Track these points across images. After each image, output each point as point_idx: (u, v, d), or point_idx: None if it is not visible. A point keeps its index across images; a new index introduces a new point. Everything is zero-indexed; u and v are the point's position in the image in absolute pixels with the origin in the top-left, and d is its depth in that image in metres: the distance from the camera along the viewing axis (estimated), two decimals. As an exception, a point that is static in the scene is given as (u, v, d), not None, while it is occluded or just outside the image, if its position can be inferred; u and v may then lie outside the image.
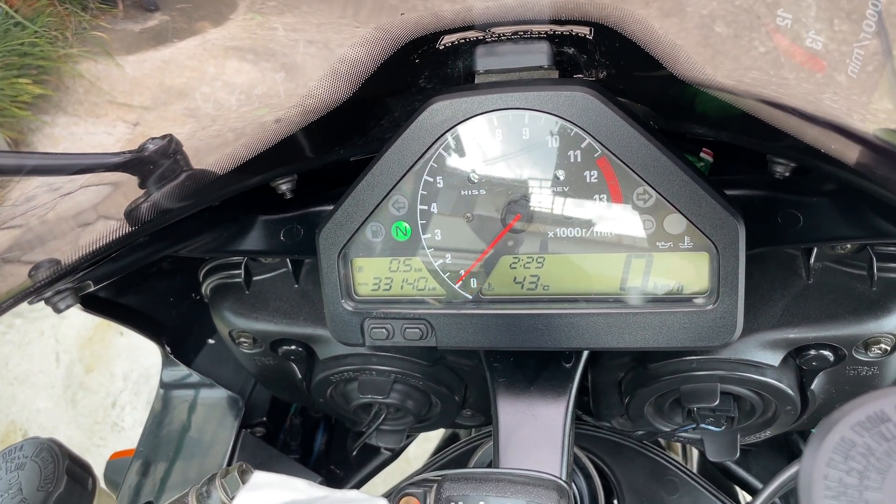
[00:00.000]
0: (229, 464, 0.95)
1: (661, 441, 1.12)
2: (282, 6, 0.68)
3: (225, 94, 0.70)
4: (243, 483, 0.52)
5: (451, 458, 0.98)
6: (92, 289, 0.68)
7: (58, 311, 0.63)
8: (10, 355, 3.55)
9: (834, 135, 0.48)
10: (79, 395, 3.36)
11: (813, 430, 0.33)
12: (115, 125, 0.69)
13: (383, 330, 0.70)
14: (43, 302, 0.63)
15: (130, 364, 3.37)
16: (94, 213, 0.63)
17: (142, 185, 0.64)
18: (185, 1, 0.70)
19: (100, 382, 3.37)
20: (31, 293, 0.61)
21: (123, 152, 0.62)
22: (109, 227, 0.61)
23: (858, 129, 0.47)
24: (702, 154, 0.75)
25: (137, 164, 0.63)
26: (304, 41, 0.67)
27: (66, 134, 0.71)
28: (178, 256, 0.81)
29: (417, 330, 0.69)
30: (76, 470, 0.58)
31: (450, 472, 0.52)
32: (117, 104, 0.69)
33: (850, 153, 0.48)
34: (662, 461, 0.92)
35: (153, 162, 0.63)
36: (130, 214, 0.63)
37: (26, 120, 0.70)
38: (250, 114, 0.70)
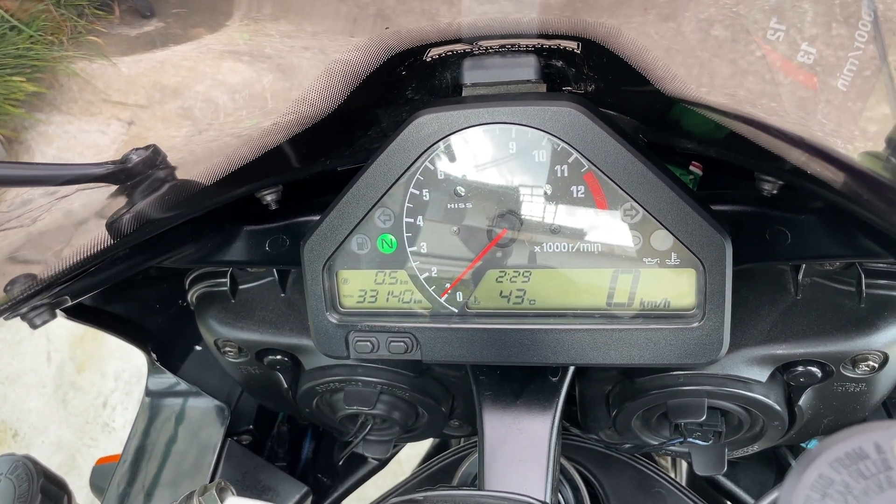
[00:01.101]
0: (214, 472, 0.94)
1: (652, 453, 1.12)
2: (277, 13, 0.67)
3: (215, 103, 0.69)
4: (221, 502, 0.51)
5: (438, 467, 0.97)
6: (69, 304, 0.67)
7: (34, 326, 0.62)
8: (0, 354, 3.53)
9: (818, 158, 0.48)
10: (70, 395, 3.34)
11: (792, 464, 0.33)
12: (109, 123, 0.68)
13: (368, 343, 0.69)
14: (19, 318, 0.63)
15: (122, 364, 3.35)
16: (73, 226, 0.62)
17: (124, 197, 0.63)
18: (180, 6, 0.69)
19: (91, 382, 3.36)
20: (5, 310, 0.60)
21: (106, 163, 0.61)
22: (89, 240, 0.60)
23: (842, 154, 0.47)
24: (691, 167, 0.75)
25: (120, 174, 0.62)
26: (296, 47, 0.66)
27: (59, 132, 0.70)
28: (163, 264, 0.80)
29: (402, 343, 0.69)
30: (51, 488, 0.57)
31: (430, 494, 0.51)
32: (112, 102, 0.68)
33: (835, 176, 0.48)
34: (650, 473, 0.92)
35: (136, 173, 0.62)
36: (112, 226, 0.62)
37: (20, 117, 0.69)
38: (239, 123, 0.69)
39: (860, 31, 0.49)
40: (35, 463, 0.59)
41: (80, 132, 0.71)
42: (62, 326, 3.51)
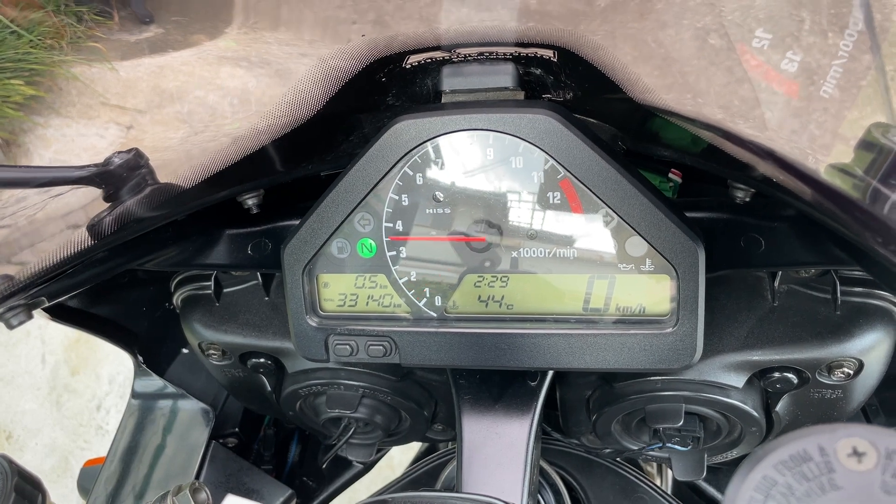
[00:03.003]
0: (198, 475, 0.95)
1: (638, 459, 1.12)
2: (275, 22, 0.68)
3: (198, 107, 0.70)
4: (195, 502, 0.52)
5: (424, 471, 0.98)
6: (46, 304, 0.68)
7: (10, 327, 0.63)
8: (-5, 356, 3.53)
9: (783, 170, 0.49)
10: (64, 398, 3.34)
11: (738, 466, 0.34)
12: (107, 127, 0.69)
13: (347, 346, 0.70)
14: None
15: (116, 367, 3.35)
16: (52, 227, 0.62)
17: (106, 199, 0.64)
18: (179, 14, 0.70)
19: (85, 384, 3.35)
20: (-22, 311, 0.60)
21: (88, 165, 0.62)
22: (67, 241, 0.61)
23: (805, 167, 0.48)
24: (670, 175, 0.76)
25: (102, 177, 0.63)
26: (280, 54, 0.67)
27: (58, 135, 0.71)
28: (150, 266, 0.81)
29: (381, 347, 0.69)
30: (25, 487, 0.57)
31: (398, 496, 0.52)
32: (110, 106, 0.69)
33: (799, 186, 0.49)
34: (633, 478, 0.92)
35: (118, 175, 0.63)
36: (93, 228, 0.62)
37: (18, 120, 0.70)
38: (221, 128, 0.70)
39: (850, 32, 0.49)
40: (10, 462, 0.59)
41: (80, 125, 0.71)
42: (57, 328, 3.51)
